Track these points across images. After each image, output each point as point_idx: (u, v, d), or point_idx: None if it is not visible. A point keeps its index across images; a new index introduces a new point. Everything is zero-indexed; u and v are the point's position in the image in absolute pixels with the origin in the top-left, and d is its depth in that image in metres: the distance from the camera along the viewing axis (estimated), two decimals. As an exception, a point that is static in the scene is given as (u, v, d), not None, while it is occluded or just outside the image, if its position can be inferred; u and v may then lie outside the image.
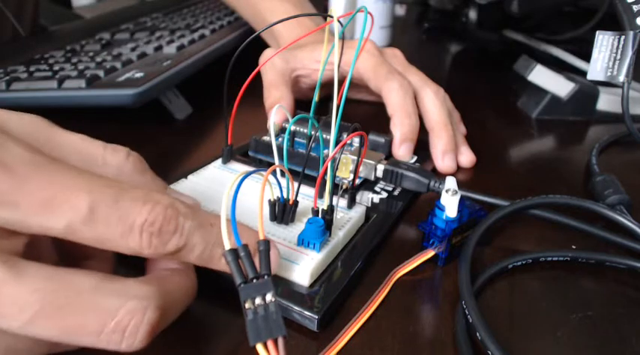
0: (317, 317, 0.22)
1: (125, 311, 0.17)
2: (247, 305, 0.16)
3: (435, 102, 0.38)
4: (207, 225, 0.19)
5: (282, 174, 0.24)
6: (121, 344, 0.17)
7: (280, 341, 0.16)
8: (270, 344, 0.16)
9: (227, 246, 0.17)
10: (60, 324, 0.16)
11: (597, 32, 0.33)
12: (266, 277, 0.17)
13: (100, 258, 0.22)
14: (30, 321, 0.16)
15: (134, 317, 0.17)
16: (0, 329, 0.16)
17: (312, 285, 0.24)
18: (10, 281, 0.16)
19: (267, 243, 0.17)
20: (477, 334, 0.21)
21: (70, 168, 0.18)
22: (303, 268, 0.24)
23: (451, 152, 0.37)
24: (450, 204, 0.26)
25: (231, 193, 0.18)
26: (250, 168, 0.31)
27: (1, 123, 0.19)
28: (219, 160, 0.33)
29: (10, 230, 0.16)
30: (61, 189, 0.17)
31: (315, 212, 0.26)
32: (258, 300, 0.16)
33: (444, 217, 0.26)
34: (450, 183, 0.27)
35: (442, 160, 0.37)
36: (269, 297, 0.16)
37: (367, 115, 0.47)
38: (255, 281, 0.16)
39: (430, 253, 0.27)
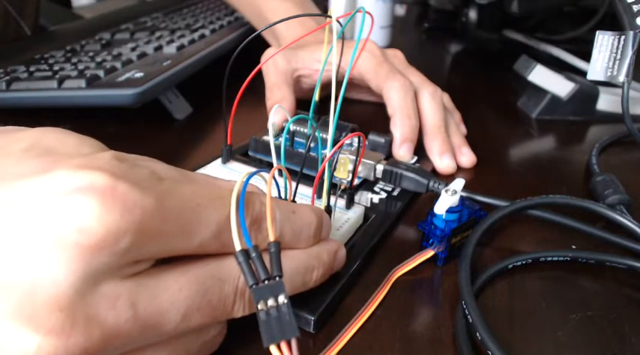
0: (313, 318, 0.22)
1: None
2: (260, 307, 0.16)
3: (430, 104, 0.38)
4: (290, 212, 0.21)
5: (280, 173, 0.24)
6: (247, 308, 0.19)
7: (294, 342, 0.16)
8: (283, 345, 0.16)
9: (238, 247, 0.17)
10: (208, 308, 0.18)
11: (597, 32, 0.33)
12: (278, 278, 0.17)
13: None
14: (186, 316, 0.17)
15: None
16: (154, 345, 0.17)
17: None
18: (159, 290, 0.17)
19: (277, 244, 0.17)
20: (477, 334, 0.21)
21: (195, 180, 0.19)
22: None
23: (447, 152, 0.37)
24: (442, 201, 0.26)
25: (238, 194, 0.18)
26: (253, 169, 0.31)
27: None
28: (219, 160, 0.33)
29: (137, 260, 0.16)
30: (195, 210, 0.17)
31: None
32: (270, 302, 0.16)
33: (444, 217, 0.26)
34: (456, 183, 0.27)
35: (440, 160, 0.37)
36: (282, 299, 0.16)
37: (367, 115, 0.47)
38: (267, 282, 0.16)
39: (429, 253, 0.27)
